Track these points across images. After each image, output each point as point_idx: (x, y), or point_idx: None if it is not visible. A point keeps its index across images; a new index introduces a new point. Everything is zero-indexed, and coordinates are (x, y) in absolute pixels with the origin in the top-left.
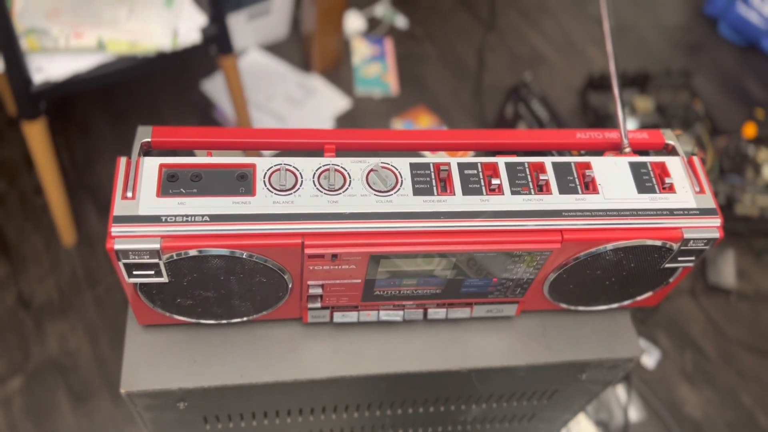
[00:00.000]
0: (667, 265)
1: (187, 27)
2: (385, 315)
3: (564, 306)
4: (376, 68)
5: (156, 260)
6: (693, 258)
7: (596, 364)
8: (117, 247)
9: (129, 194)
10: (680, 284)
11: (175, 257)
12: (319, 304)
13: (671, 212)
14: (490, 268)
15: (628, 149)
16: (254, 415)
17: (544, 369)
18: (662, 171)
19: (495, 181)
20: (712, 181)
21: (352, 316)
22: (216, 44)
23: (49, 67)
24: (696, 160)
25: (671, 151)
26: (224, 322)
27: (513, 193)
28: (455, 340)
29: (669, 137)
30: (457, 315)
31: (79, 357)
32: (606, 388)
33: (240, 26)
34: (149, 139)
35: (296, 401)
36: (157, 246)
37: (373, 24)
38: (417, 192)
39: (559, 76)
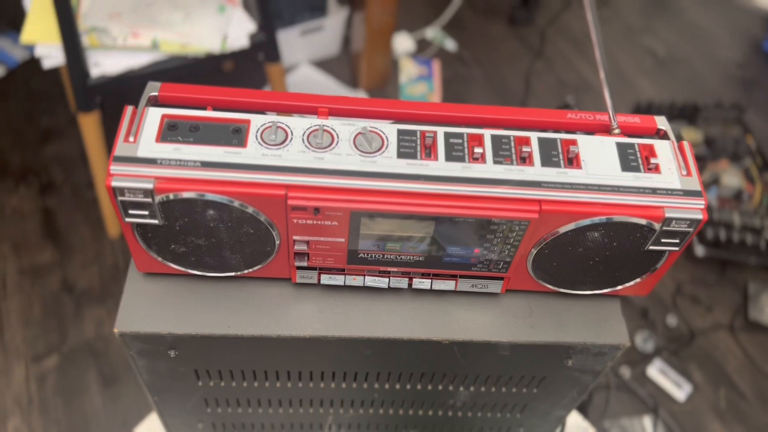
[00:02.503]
0: (652, 248)
1: (237, 32)
2: (371, 281)
3: (550, 287)
4: (422, 88)
5: (149, 200)
6: (678, 241)
7: (581, 348)
8: (114, 184)
9: (131, 139)
10: (719, 319)
11: (167, 199)
12: (305, 263)
13: (654, 191)
14: (469, 236)
15: (617, 131)
16: (244, 375)
17: (528, 349)
18: (650, 152)
19: (478, 150)
20: (760, 215)
21: (338, 279)
22: (263, 51)
23: (105, 63)
24: (686, 144)
25: (663, 136)
26: (217, 275)
27: (495, 162)
28: (440, 311)
29: (661, 123)
30: (442, 287)
31: (111, 343)
32: (596, 379)
33: (293, 41)
34: (156, 93)
35: (282, 361)
36: (150, 186)
37: (423, 46)
38: (401, 155)
39: (605, 105)
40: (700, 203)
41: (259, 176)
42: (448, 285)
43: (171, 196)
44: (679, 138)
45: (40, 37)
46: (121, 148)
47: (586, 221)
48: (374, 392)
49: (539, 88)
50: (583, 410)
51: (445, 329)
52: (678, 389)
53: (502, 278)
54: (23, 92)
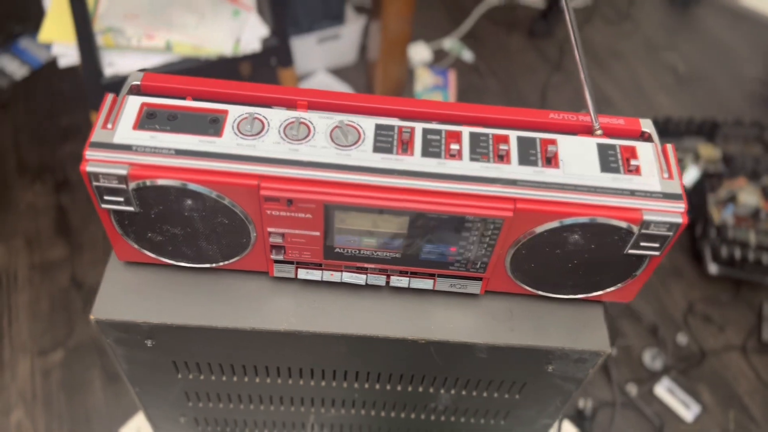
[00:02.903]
0: (631, 251)
1: (250, 36)
2: (348, 277)
3: (529, 289)
4: (437, 97)
5: (123, 186)
6: (658, 245)
7: (561, 354)
8: (89, 169)
9: (109, 125)
10: (731, 339)
11: (141, 186)
12: (282, 256)
13: (632, 192)
14: (444, 234)
15: (599, 132)
16: (222, 369)
17: (506, 352)
18: (631, 154)
19: (454, 147)
20: None
21: (316, 274)
22: (276, 56)
23: (119, 63)
24: (670, 148)
25: (647, 139)
26: (195, 266)
27: (472, 159)
28: (418, 311)
29: (646, 126)
30: (420, 285)
31: None
32: (579, 387)
33: (310, 48)
34: (139, 83)
35: (259, 356)
36: (124, 172)
37: (440, 56)
38: (377, 149)
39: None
40: (680, 206)
41: (232, 165)
42: (426, 284)
43: (145, 183)
44: (695, 154)
45: (57, 37)
46: (98, 135)
47: (562, 222)
48: (354, 392)
49: (556, 101)
50: (587, 427)
51: (422, 329)
52: (686, 409)
53: (480, 279)
54: (46, 92)
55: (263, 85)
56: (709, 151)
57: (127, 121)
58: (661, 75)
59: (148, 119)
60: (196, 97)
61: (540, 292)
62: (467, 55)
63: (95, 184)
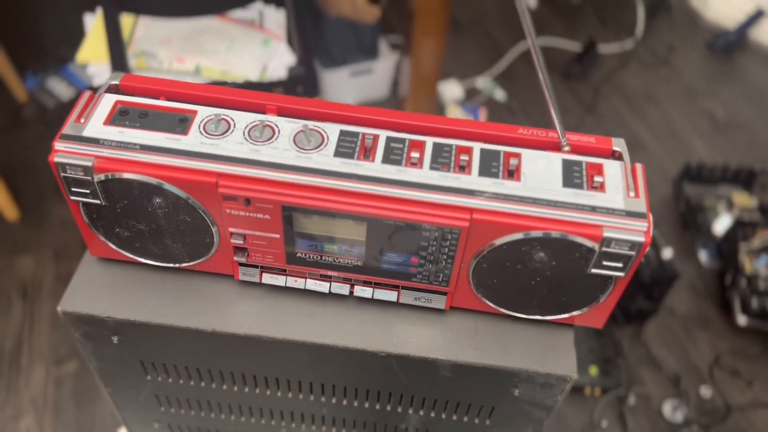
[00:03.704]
0: (594, 271)
1: (277, 64)
2: (312, 284)
3: (495, 306)
4: None
5: (89, 178)
6: (621, 266)
7: (526, 376)
8: (57, 159)
9: (82, 120)
10: (759, 395)
11: (105, 178)
12: (245, 259)
13: (593, 209)
14: (403, 242)
15: (567, 148)
16: (189, 373)
17: (470, 371)
18: (597, 171)
19: (415, 155)
20: None
21: (280, 279)
22: (302, 85)
23: None
24: (639, 167)
25: (618, 158)
26: (163, 264)
27: (432, 168)
28: (381, 323)
29: (618, 145)
30: (384, 297)
31: None
32: (548, 414)
33: (344, 81)
34: (117, 82)
35: (222, 360)
36: (89, 164)
37: (472, 94)
38: (338, 154)
39: (654, 163)
40: (642, 225)
41: (192, 162)
42: (391, 296)
43: (109, 176)
44: (729, 201)
45: (94, 57)
46: (69, 127)
47: (520, 235)
48: (323, 407)
49: None
50: None
51: (383, 341)
52: None
53: (445, 293)
54: None
55: (238, 90)
56: (744, 199)
57: (100, 116)
58: (698, 121)
59: (120, 116)
60: (171, 98)
61: (506, 311)
62: (500, 95)
63: (63, 174)
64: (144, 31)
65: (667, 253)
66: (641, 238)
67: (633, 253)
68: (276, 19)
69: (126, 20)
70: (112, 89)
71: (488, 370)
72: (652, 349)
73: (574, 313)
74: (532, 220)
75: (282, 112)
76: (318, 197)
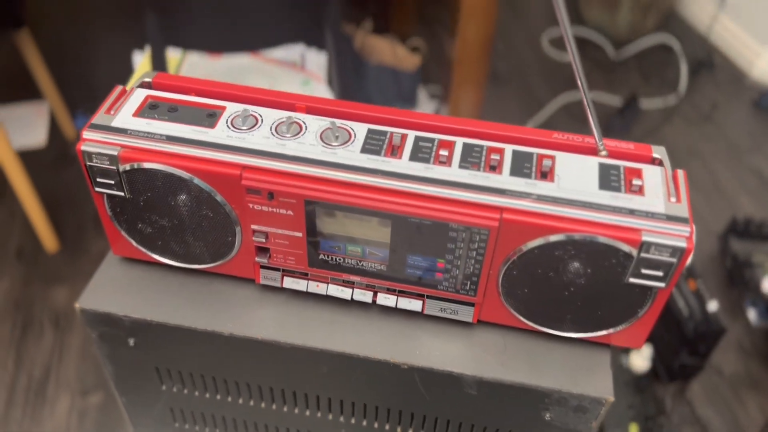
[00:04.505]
0: (632, 280)
1: None
2: (335, 290)
3: (525, 321)
4: None
5: (114, 167)
6: (662, 275)
7: (558, 397)
8: (83, 148)
9: (112, 112)
10: None
11: (130, 168)
12: (266, 260)
13: (632, 212)
14: (428, 244)
15: (604, 152)
16: (204, 382)
17: (497, 389)
18: (636, 176)
19: (444, 153)
20: None
21: (301, 284)
22: None
23: None
24: (681, 173)
25: (658, 165)
26: (184, 265)
27: (461, 167)
28: (405, 334)
29: (658, 152)
30: (408, 306)
31: None
32: None
33: None
34: (150, 80)
35: (238, 368)
36: (115, 153)
37: None
38: (364, 150)
39: (699, 219)
40: (685, 230)
41: (217, 154)
42: (415, 305)
43: (134, 166)
44: None
45: None
46: (99, 118)
47: (553, 238)
48: (340, 427)
49: None
50: None
51: (406, 353)
52: None
53: (472, 304)
54: None
55: (268, 90)
56: None
57: (129, 109)
58: (744, 177)
59: (150, 109)
60: (201, 95)
61: (537, 326)
62: None
63: (89, 164)
64: (189, 69)
65: (713, 306)
66: (683, 244)
67: (674, 260)
68: (317, 62)
69: (172, 59)
70: (145, 85)
71: (517, 388)
72: (697, 409)
73: (611, 330)
74: (566, 221)
75: (311, 111)
76: (342, 192)
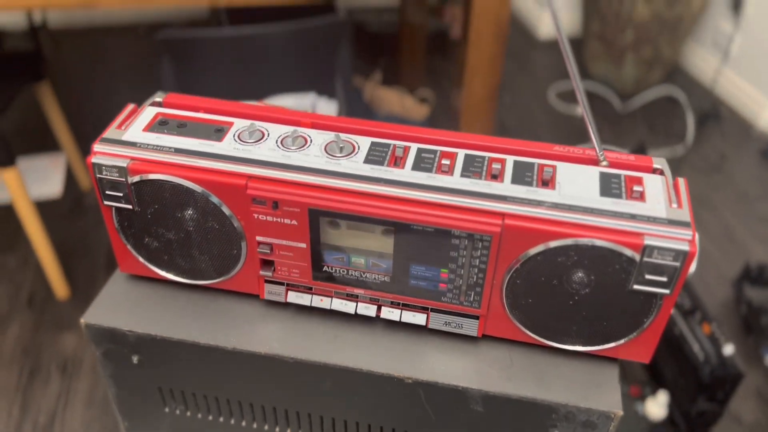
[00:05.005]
0: (637, 287)
1: None
2: (338, 304)
3: (531, 335)
4: None
5: (123, 179)
6: (666, 280)
7: (565, 412)
8: (94, 160)
9: (123, 127)
10: None
11: (139, 179)
12: (271, 273)
13: (633, 216)
14: (431, 253)
15: (604, 163)
16: (207, 404)
17: (503, 404)
18: (636, 183)
19: (446, 162)
20: None
21: (305, 298)
22: None
23: None
24: (682, 181)
25: (659, 174)
26: (189, 281)
27: (463, 176)
28: (409, 349)
29: (659, 163)
30: (413, 320)
31: None
32: None
33: None
34: (161, 100)
35: (241, 386)
36: (124, 164)
37: None
38: (368, 161)
39: (712, 266)
40: (687, 234)
41: (223, 165)
42: (419, 319)
43: (142, 178)
44: None
45: None
46: (110, 133)
47: (555, 243)
48: None
49: None
50: None
51: (411, 367)
52: None
53: (477, 317)
54: None
55: (275, 108)
56: None
57: (140, 124)
58: (756, 225)
59: (160, 125)
60: (210, 113)
61: (543, 339)
62: None
63: (99, 176)
64: None
65: (729, 349)
66: (686, 247)
67: (677, 264)
68: (328, 110)
69: None
70: (156, 104)
71: (524, 403)
72: None
73: (618, 342)
74: (568, 226)
75: (316, 126)
76: (345, 200)
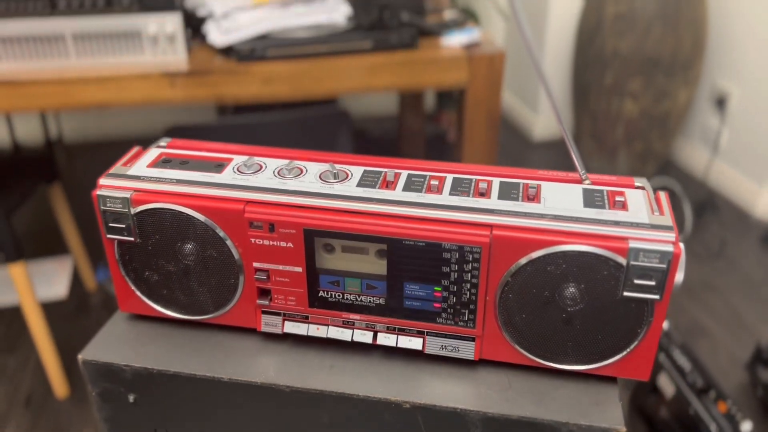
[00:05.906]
0: (627, 294)
1: None
2: (335, 332)
3: (528, 356)
4: None
5: (126, 210)
6: (654, 284)
7: (566, 431)
8: (99, 193)
9: (128, 165)
10: None
11: (141, 210)
12: (268, 302)
13: (617, 223)
14: (423, 269)
15: (587, 181)
16: None
17: (503, 425)
18: (618, 194)
19: (435, 183)
20: None
21: (302, 328)
22: None
23: None
24: (663, 195)
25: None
26: (188, 317)
27: (451, 194)
28: (407, 375)
29: (641, 182)
30: (408, 344)
31: None
32: None
33: None
34: (165, 144)
35: (237, 420)
36: (128, 195)
37: None
38: (360, 185)
39: (723, 350)
40: (670, 236)
41: (222, 191)
42: (415, 343)
43: (144, 208)
44: None
45: None
46: (116, 169)
47: (542, 251)
48: None
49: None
50: None
51: (408, 391)
52: None
53: (473, 338)
54: None
55: (274, 148)
56: None
57: (144, 162)
58: (762, 308)
59: (163, 163)
60: (211, 152)
61: (539, 360)
62: None
63: (103, 208)
64: None
65: (747, 427)
66: (670, 248)
67: (664, 266)
68: None
69: None
70: (159, 147)
71: (524, 423)
72: None
73: (615, 358)
74: (554, 234)
75: (311, 160)
76: (339, 219)
